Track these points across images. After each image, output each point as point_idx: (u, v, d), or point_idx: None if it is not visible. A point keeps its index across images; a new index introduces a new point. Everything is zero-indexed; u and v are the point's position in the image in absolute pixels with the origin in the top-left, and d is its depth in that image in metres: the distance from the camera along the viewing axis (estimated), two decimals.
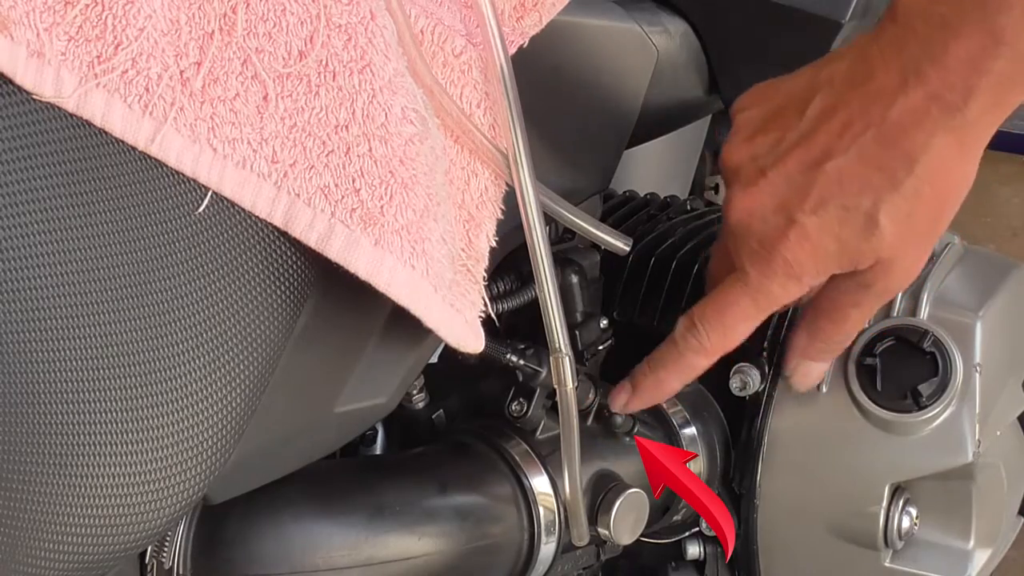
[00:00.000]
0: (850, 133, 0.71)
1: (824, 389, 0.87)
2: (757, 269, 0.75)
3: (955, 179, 0.72)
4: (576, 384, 0.74)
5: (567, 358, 0.73)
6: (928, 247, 0.75)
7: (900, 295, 0.87)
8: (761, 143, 0.75)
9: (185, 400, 0.60)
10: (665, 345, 0.80)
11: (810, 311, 0.81)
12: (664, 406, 0.90)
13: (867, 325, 0.87)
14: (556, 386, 0.74)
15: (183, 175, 0.60)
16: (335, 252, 0.62)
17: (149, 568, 0.72)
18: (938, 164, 0.71)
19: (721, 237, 0.81)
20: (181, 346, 0.60)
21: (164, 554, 0.72)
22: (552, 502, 0.81)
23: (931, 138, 0.70)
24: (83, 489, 0.57)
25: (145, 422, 0.59)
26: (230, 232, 0.61)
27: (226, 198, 0.61)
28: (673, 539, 0.95)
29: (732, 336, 0.78)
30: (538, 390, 0.82)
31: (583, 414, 0.84)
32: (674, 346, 0.80)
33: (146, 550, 0.72)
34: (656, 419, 0.90)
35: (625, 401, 0.83)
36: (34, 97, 0.56)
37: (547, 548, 0.82)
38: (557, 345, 0.73)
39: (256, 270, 0.62)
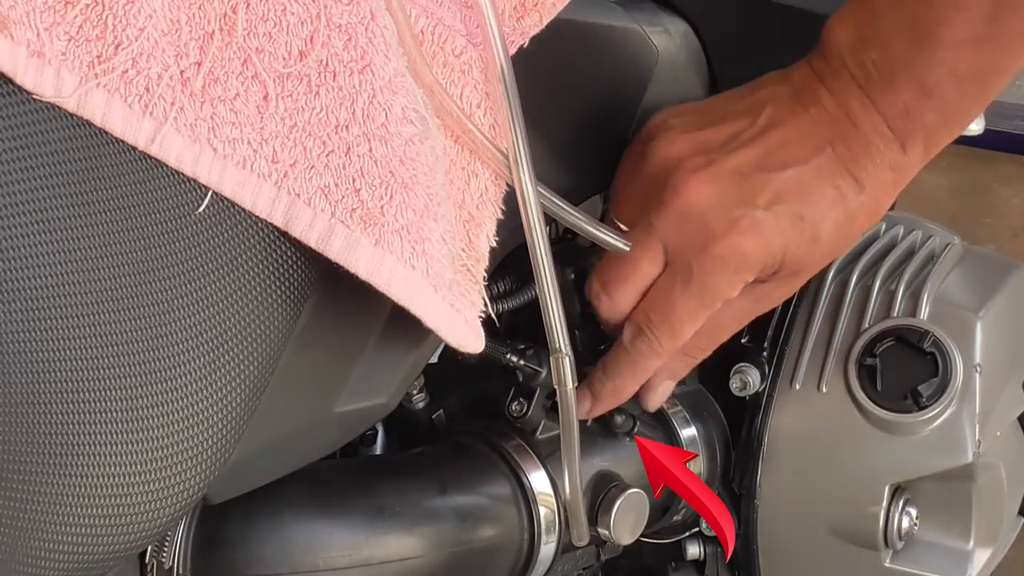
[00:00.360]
0: (808, 146, 0.73)
1: (824, 389, 0.87)
2: (701, 264, 0.73)
3: (880, 210, 0.75)
4: (576, 384, 0.74)
5: (567, 358, 0.73)
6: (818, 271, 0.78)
7: (901, 294, 0.87)
8: (711, 137, 0.74)
9: (185, 400, 0.60)
10: (617, 352, 0.80)
11: None
12: (664, 406, 0.90)
13: (867, 325, 0.87)
14: (556, 386, 0.74)
15: (183, 175, 0.60)
16: (335, 252, 0.62)
17: (149, 568, 0.72)
18: (877, 194, 0.73)
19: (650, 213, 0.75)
20: (181, 346, 0.60)
21: (164, 554, 0.72)
22: (552, 502, 0.81)
23: (877, 170, 0.73)
24: (83, 489, 0.57)
25: (145, 422, 0.59)
26: (230, 232, 0.61)
27: (226, 198, 0.61)
28: (673, 539, 0.95)
29: (681, 335, 0.77)
30: (538, 390, 0.82)
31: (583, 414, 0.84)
32: (626, 353, 0.79)
33: (146, 550, 0.72)
34: (656, 419, 0.90)
35: (588, 409, 0.82)
36: (34, 97, 0.56)
37: (547, 548, 0.82)
38: (557, 345, 0.73)
39: (256, 270, 0.62)
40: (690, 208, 0.73)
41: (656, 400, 0.84)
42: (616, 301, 0.77)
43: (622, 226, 0.76)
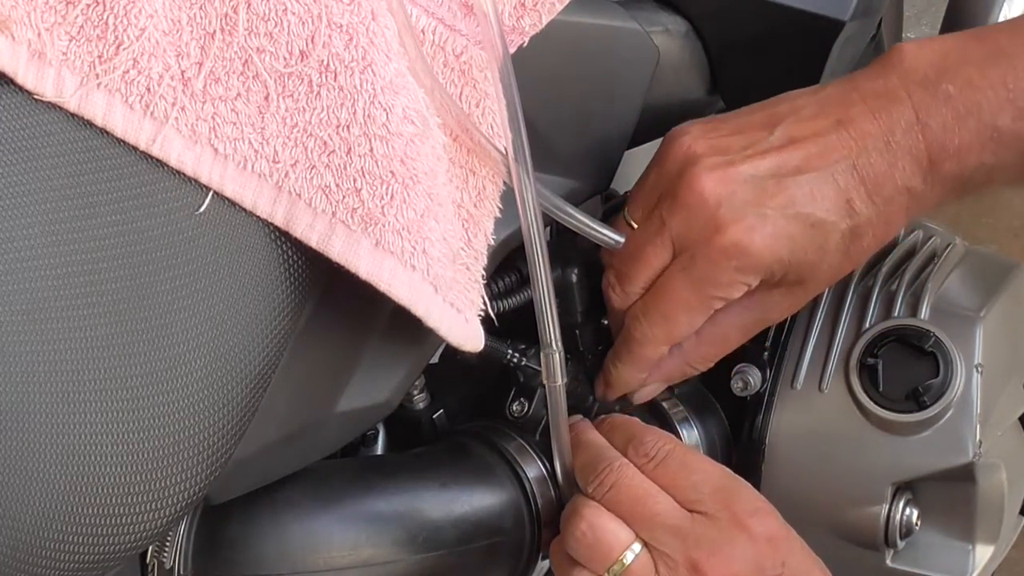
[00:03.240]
0: (827, 159, 0.73)
1: (825, 389, 0.87)
2: (704, 255, 0.74)
3: (890, 232, 0.76)
4: (566, 380, 0.74)
5: (557, 354, 0.73)
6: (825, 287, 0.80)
7: (901, 294, 0.87)
8: (731, 142, 0.75)
9: (186, 400, 0.60)
10: (620, 340, 0.81)
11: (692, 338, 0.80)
12: (665, 406, 0.89)
13: (868, 326, 0.87)
14: (544, 381, 0.74)
15: (184, 175, 0.60)
16: (336, 253, 0.62)
17: (150, 568, 0.72)
18: (889, 214, 0.74)
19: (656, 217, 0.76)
20: (182, 346, 0.60)
21: (165, 554, 0.72)
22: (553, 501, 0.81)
23: (896, 192, 0.74)
24: (83, 489, 0.57)
25: (146, 422, 0.59)
26: (231, 232, 0.61)
27: (227, 198, 0.61)
28: None
29: (674, 324, 0.77)
30: (539, 390, 0.82)
31: (583, 414, 0.84)
32: (624, 342, 0.80)
33: (147, 550, 0.72)
34: (657, 419, 0.90)
35: (602, 392, 0.83)
36: (35, 97, 0.56)
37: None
38: (548, 340, 0.73)
39: (257, 270, 0.62)
40: (700, 202, 0.73)
41: (637, 398, 0.85)
42: (626, 292, 0.78)
43: (634, 224, 0.77)
